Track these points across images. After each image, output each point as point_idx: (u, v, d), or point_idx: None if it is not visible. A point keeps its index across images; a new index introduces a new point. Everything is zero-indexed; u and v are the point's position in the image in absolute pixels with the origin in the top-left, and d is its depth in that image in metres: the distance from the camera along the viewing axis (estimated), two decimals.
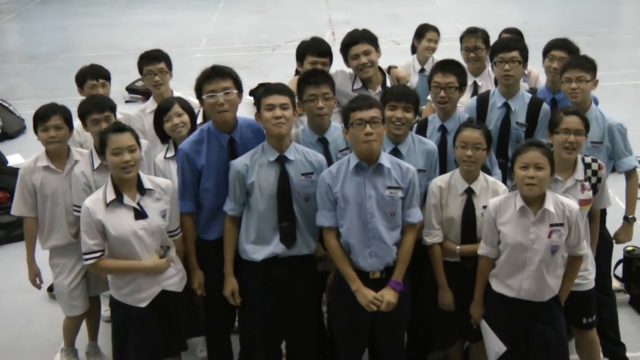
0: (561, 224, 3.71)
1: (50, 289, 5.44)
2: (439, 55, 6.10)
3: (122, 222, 3.83)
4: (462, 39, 5.57)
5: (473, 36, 5.48)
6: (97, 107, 4.36)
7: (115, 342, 4.07)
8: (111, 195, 3.84)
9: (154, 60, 5.19)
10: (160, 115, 4.49)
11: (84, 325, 4.91)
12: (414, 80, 6.04)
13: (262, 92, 3.91)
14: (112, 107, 4.48)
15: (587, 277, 4.08)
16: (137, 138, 3.91)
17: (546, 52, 4.95)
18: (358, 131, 3.68)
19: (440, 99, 4.36)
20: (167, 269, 3.97)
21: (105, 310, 5.33)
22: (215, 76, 3.98)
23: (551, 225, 3.71)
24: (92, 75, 5.04)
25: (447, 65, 4.43)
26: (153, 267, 3.92)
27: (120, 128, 3.86)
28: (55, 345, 5.09)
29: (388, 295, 3.81)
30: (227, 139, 4.08)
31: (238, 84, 4.06)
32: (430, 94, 4.52)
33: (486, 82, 5.36)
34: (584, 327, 4.22)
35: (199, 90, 4.04)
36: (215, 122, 4.08)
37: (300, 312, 4.11)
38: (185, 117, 4.45)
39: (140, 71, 5.26)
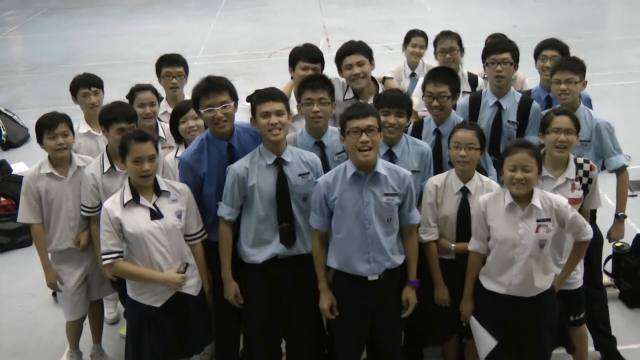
0: (548, 219, 3.72)
1: (54, 293, 5.43)
2: (430, 60, 6.11)
3: (138, 220, 3.84)
4: (436, 42, 5.57)
5: (448, 38, 5.50)
6: (125, 116, 4.29)
7: (131, 339, 4.05)
8: (128, 197, 3.86)
9: (173, 63, 5.21)
10: (176, 117, 4.48)
11: (88, 328, 4.90)
12: (405, 84, 6.05)
13: (256, 98, 3.91)
14: (137, 118, 4.45)
15: (574, 277, 4.08)
16: (156, 146, 3.91)
17: (537, 53, 4.97)
18: (354, 139, 3.67)
19: (433, 107, 4.37)
20: (181, 285, 3.94)
21: (109, 313, 5.34)
22: (212, 90, 3.96)
23: (538, 220, 3.72)
24: (84, 84, 4.98)
25: (439, 75, 4.41)
26: (168, 280, 3.90)
27: (142, 137, 3.83)
28: (60, 348, 5.09)
29: (412, 298, 3.96)
30: (225, 145, 4.08)
31: (234, 96, 4.06)
32: (424, 101, 4.51)
33: (461, 83, 5.35)
34: (572, 324, 4.22)
35: (196, 102, 4.04)
36: (214, 132, 4.08)
37: (300, 311, 4.10)
38: (200, 121, 4.40)
39: (158, 72, 5.26)
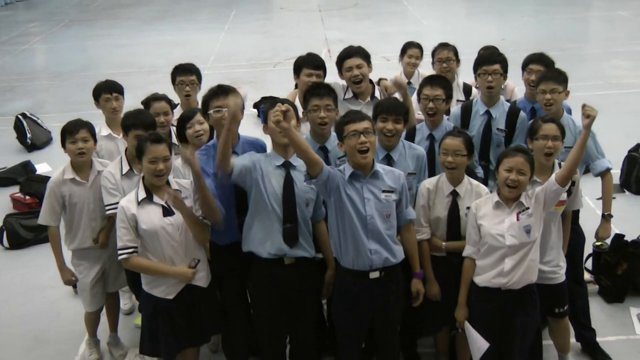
0: (527, 208, 3.76)
1: (75, 285, 5.43)
2: (425, 70, 6.11)
3: (152, 217, 3.85)
4: (434, 52, 5.59)
5: (445, 49, 5.53)
6: (143, 124, 4.29)
7: (146, 330, 4.06)
8: (142, 195, 3.88)
9: (187, 72, 5.23)
10: (183, 122, 4.48)
11: (105, 318, 4.92)
12: None
13: (269, 105, 3.91)
14: (155, 126, 4.45)
15: (558, 272, 4.09)
16: (170, 148, 3.92)
17: (525, 66, 4.97)
18: (353, 141, 3.68)
19: (429, 110, 4.39)
20: (191, 279, 3.95)
21: (124, 304, 5.35)
22: (222, 93, 4.02)
23: (519, 212, 3.77)
24: (106, 89, 5.00)
25: (435, 80, 4.47)
26: (180, 275, 3.91)
27: (157, 139, 3.86)
28: (80, 336, 5.11)
29: (421, 288, 4.02)
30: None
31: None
32: (420, 105, 4.53)
33: (456, 92, 5.36)
34: (556, 316, 4.23)
35: (205, 106, 4.06)
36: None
37: (304, 308, 4.08)
38: (206, 126, 4.41)
39: (173, 81, 5.28)
